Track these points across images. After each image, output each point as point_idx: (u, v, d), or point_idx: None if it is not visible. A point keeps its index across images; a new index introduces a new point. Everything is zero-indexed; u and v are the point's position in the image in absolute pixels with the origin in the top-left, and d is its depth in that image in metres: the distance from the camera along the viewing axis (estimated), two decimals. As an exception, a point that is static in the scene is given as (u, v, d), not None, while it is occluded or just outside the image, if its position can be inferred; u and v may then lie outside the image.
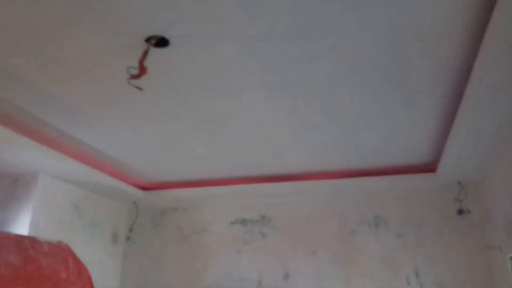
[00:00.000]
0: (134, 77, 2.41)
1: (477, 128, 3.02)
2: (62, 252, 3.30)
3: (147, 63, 2.39)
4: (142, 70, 2.39)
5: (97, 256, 4.98)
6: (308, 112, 3.23)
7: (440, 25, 2.20)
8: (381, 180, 4.54)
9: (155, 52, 2.41)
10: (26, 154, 3.75)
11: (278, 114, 3.29)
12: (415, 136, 3.61)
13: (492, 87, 2.44)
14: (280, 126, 3.50)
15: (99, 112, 3.27)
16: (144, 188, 5.29)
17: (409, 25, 2.20)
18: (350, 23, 2.20)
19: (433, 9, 2.07)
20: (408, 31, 2.25)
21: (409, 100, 2.99)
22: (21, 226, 3.99)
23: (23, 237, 3.06)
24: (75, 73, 2.72)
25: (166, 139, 3.79)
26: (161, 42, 2.36)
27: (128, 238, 5.46)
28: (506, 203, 3.60)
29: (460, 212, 4.38)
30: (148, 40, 2.33)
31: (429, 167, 4.30)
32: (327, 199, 5.01)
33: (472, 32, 2.24)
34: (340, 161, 4.26)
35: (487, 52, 2.18)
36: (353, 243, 4.80)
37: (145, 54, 2.37)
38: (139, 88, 2.51)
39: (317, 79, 2.75)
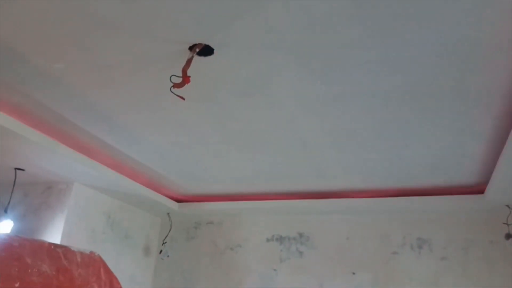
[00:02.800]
0: (177, 85, 2.31)
1: None
2: (94, 263, 3.19)
3: (190, 71, 2.30)
4: (186, 79, 2.29)
5: (128, 268, 4.88)
6: (354, 127, 3.12)
7: (492, 43, 2.10)
8: (426, 201, 4.35)
9: (198, 60, 2.35)
10: (62, 161, 3.70)
11: (322, 128, 3.18)
12: (464, 156, 3.46)
13: None
14: (323, 141, 3.38)
15: (138, 120, 3.22)
16: (179, 200, 5.22)
17: (463, 43, 2.11)
18: (406, 38, 2.12)
19: (483, 25, 1.99)
20: (462, 49, 2.16)
21: (460, 119, 2.88)
22: (54, 234, 3.91)
23: (56, 245, 2.97)
24: (116, 80, 2.67)
25: (205, 150, 3.71)
26: (205, 50, 2.30)
27: (160, 251, 5.33)
28: None
29: (508, 236, 4.10)
30: (192, 48, 2.27)
31: (477, 189, 4.12)
32: (368, 218, 4.84)
33: None
34: (384, 179, 4.10)
35: None
36: (395, 265, 4.60)
37: (189, 62, 2.29)
38: (182, 98, 2.39)
39: (365, 93, 2.65)
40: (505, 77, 2.36)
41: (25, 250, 2.67)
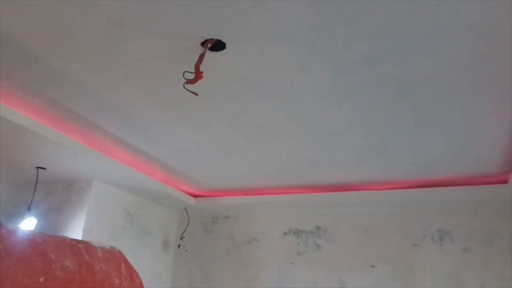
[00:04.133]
0: (190, 82, 2.32)
1: None
2: (115, 258, 3.27)
3: (203, 67, 2.30)
4: (198, 75, 2.29)
5: (148, 263, 4.96)
6: (372, 117, 3.06)
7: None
8: (447, 191, 4.28)
9: (211, 55, 2.34)
10: (81, 159, 3.77)
11: (339, 120, 3.14)
12: (486, 144, 3.39)
13: None
14: (340, 133, 3.34)
15: (153, 117, 3.24)
16: (196, 195, 5.24)
17: (483, 28, 2.05)
18: (425, 24, 2.05)
19: (506, 11, 1.93)
20: (482, 37, 2.11)
21: (482, 107, 2.81)
22: (75, 231, 4.00)
23: (78, 241, 3.05)
24: (130, 78, 2.69)
25: (220, 145, 3.72)
26: (217, 45, 2.28)
27: (179, 246, 5.42)
28: None
29: None
30: (204, 43, 2.26)
31: (500, 178, 4.03)
32: (387, 210, 4.78)
33: None
34: (403, 170, 4.03)
35: None
36: (415, 258, 4.54)
37: (201, 58, 2.29)
38: (195, 94, 2.42)
39: (384, 83, 2.59)
40: None
41: (49, 246, 2.76)
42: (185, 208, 5.40)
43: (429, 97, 2.73)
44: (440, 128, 3.16)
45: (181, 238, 5.47)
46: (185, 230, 5.52)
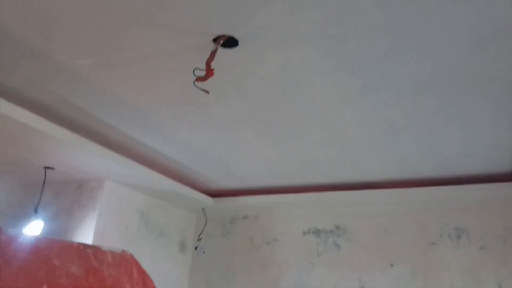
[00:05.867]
0: (201, 79, 2.27)
1: None
2: (126, 262, 3.12)
3: (215, 64, 2.25)
4: (209, 72, 2.24)
5: (164, 266, 4.82)
6: (389, 116, 3.04)
7: None
8: (462, 189, 4.25)
9: (223, 52, 2.30)
10: (92, 159, 3.64)
11: (356, 119, 3.10)
12: (500, 142, 3.38)
13: None
14: (358, 131, 3.31)
15: (166, 115, 3.16)
16: (213, 195, 5.16)
17: (493, 26, 2.03)
18: (435, 22, 2.03)
19: None
20: (489, 34, 2.09)
21: (495, 105, 2.80)
22: (86, 234, 3.86)
23: (85, 246, 2.90)
24: (142, 75, 2.63)
25: (236, 144, 3.64)
26: (230, 42, 2.23)
27: (196, 247, 5.28)
28: None
29: None
30: (216, 40, 2.21)
31: None
32: (405, 209, 4.73)
33: None
34: (420, 168, 4.02)
35: None
36: (433, 256, 4.48)
37: (213, 55, 2.24)
38: (205, 91, 2.35)
39: (400, 81, 2.57)
40: None
41: (53, 252, 2.61)
42: (203, 209, 5.30)
43: (442, 97, 2.74)
44: (455, 127, 3.16)
45: (199, 239, 5.36)
46: (202, 231, 5.41)
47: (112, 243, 3.93)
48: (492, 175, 4.06)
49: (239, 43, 2.24)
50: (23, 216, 3.98)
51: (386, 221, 4.77)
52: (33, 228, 3.76)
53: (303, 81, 2.62)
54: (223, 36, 2.19)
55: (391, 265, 4.58)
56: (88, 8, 2.02)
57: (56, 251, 2.63)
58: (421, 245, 4.54)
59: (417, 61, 2.36)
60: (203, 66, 2.25)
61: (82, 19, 2.10)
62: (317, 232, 5.01)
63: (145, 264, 3.28)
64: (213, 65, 2.25)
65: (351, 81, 2.60)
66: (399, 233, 4.66)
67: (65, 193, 4.13)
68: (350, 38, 2.17)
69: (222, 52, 2.28)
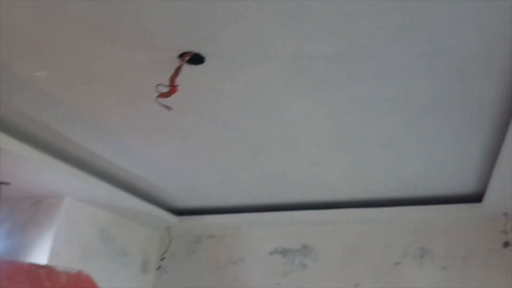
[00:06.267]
0: (164, 95, 2.25)
1: None
2: (82, 284, 2.96)
3: (181, 80, 2.24)
4: (173, 89, 2.22)
5: (124, 287, 4.64)
6: (356, 137, 3.08)
7: (486, 53, 2.12)
8: (425, 210, 4.30)
9: (189, 69, 2.28)
10: (51, 174, 3.53)
11: (324, 138, 3.14)
12: (461, 165, 3.48)
13: None
14: (326, 151, 3.33)
15: (130, 131, 3.13)
16: (179, 213, 5.03)
17: (455, 52, 2.12)
18: (398, 47, 2.11)
19: (479, 36, 2.00)
20: (454, 58, 2.17)
21: (455, 128, 2.90)
22: (41, 253, 3.69)
23: (38, 266, 2.74)
24: (104, 89, 2.59)
25: (203, 161, 3.62)
26: (196, 59, 2.22)
27: (159, 267, 5.13)
28: None
29: (506, 244, 4.15)
30: (181, 56, 2.20)
31: (476, 197, 4.11)
32: (371, 228, 4.72)
33: None
34: (385, 188, 4.06)
35: None
36: (398, 276, 4.48)
37: (177, 71, 2.23)
38: (168, 108, 2.32)
39: (366, 103, 2.62)
40: (498, 87, 2.38)
41: (1, 274, 2.45)
42: (167, 227, 5.15)
43: (410, 120, 2.81)
44: (420, 149, 3.24)
45: (162, 259, 5.20)
46: (166, 250, 5.26)
47: (69, 263, 3.76)
48: (456, 196, 4.15)
49: (206, 60, 2.22)
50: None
51: (352, 240, 4.75)
52: (-16, 247, 3.58)
53: (270, 100, 2.62)
54: (189, 52, 2.17)
55: (357, 285, 4.56)
56: (47, 19, 1.98)
57: (4, 273, 2.47)
58: (386, 265, 4.55)
59: (383, 84, 2.40)
60: (167, 82, 2.22)
61: (41, 30, 2.06)
62: (284, 252, 4.93)
63: (103, 285, 3.17)
64: (179, 81, 2.22)
65: (319, 101, 2.62)
66: (365, 253, 4.66)
67: (20, 210, 3.95)
68: (318, 59, 2.20)
69: (188, 68, 2.26)
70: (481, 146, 3.14)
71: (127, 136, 3.17)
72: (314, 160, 3.47)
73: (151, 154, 3.49)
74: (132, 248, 4.85)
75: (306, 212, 4.59)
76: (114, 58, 2.26)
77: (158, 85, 2.24)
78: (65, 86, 2.54)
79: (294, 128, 2.98)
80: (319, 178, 3.87)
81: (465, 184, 3.88)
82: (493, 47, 2.08)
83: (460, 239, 4.42)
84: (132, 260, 4.84)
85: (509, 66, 2.21)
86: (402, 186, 3.97)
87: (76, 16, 1.95)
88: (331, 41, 2.07)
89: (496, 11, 1.84)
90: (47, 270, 2.77)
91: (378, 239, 4.67)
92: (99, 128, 3.06)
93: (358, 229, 4.75)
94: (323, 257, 4.79)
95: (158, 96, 2.25)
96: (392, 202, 4.35)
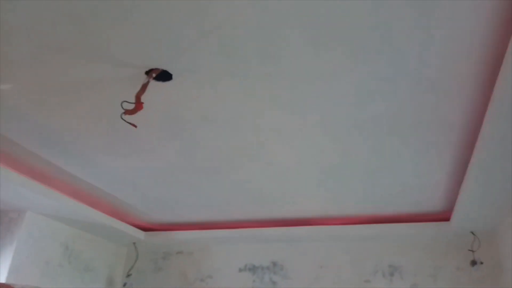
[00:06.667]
0: (129, 112, 2.19)
1: (489, 179, 3.01)
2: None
3: (148, 96, 2.21)
4: (138, 106, 2.17)
5: (89, 304, 4.51)
6: (326, 155, 3.10)
7: (451, 76, 2.17)
8: (395, 228, 4.39)
9: (156, 85, 2.26)
10: (12, 188, 3.41)
11: (294, 156, 3.14)
12: (428, 184, 3.53)
13: (503, 138, 2.42)
14: (296, 168, 3.34)
15: (95, 146, 3.05)
16: (146, 228, 4.96)
17: (420, 74, 2.16)
18: (363, 70, 2.14)
19: (444, 60, 2.04)
20: (421, 80, 2.20)
21: (422, 149, 2.94)
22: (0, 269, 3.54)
23: (-7, 284, 2.63)
24: (70, 103, 2.53)
25: (170, 176, 3.56)
26: (163, 75, 2.20)
27: (125, 284, 5.00)
28: None
29: (473, 263, 4.22)
30: (148, 72, 2.18)
31: (444, 215, 4.20)
32: (341, 245, 4.75)
33: (483, 84, 2.21)
34: (354, 206, 4.10)
35: (497, 105, 2.16)
36: None
37: (144, 88, 2.19)
38: (133, 125, 2.27)
39: (332, 121, 2.65)
40: (465, 107, 2.43)
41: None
42: (134, 243, 5.07)
43: (378, 139, 2.83)
44: (389, 168, 3.26)
45: (128, 275, 5.09)
46: (132, 267, 5.15)
47: (30, 280, 3.65)
48: (424, 215, 4.22)
49: (173, 77, 2.21)
50: None
51: (322, 258, 4.75)
52: None
53: (239, 117, 2.61)
54: (156, 69, 2.15)
55: (326, 303, 4.55)
56: (11, 30, 1.91)
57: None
58: (356, 282, 4.56)
59: (352, 104, 2.43)
60: (133, 98, 2.18)
61: (6, 43, 2.00)
62: (253, 269, 4.90)
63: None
64: (146, 97, 2.18)
65: (288, 120, 2.63)
66: (335, 270, 4.67)
67: (-22, 225, 3.82)
68: (285, 78, 2.21)
69: (156, 85, 2.24)
70: (447, 166, 3.18)
71: (92, 151, 3.11)
72: (284, 177, 3.46)
73: (117, 169, 3.42)
74: (97, 264, 4.74)
75: (276, 229, 4.59)
76: (80, 73, 2.23)
77: (123, 101, 2.20)
78: (29, 99, 2.48)
79: (263, 145, 2.97)
80: (289, 195, 3.86)
81: (433, 203, 3.93)
82: (457, 71, 2.11)
83: (429, 257, 4.46)
84: (97, 277, 4.72)
85: (473, 89, 2.25)
86: (371, 204, 4.00)
87: (42, 30, 1.92)
88: (298, 61, 2.08)
89: (458, 35, 1.88)
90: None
91: (348, 256, 4.67)
92: (63, 142, 2.99)
93: (328, 246, 4.75)
94: (292, 275, 4.76)
95: (124, 113, 2.20)
96: (362, 219, 4.38)
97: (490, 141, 2.48)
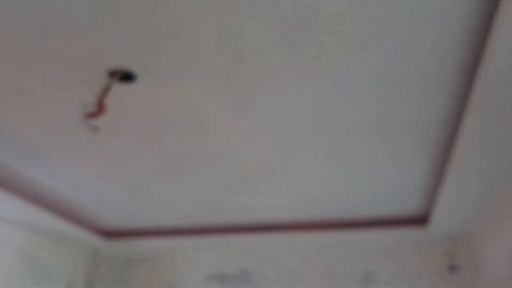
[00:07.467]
0: (91, 115, 2.16)
1: (467, 181, 3.00)
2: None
3: (111, 98, 2.21)
4: (100, 109, 2.13)
5: (47, 313, 4.38)
6: (295, 157, 3.07)
7: (428, 77, 2.17)
8: (370, 233, 4.26)
9: (120, 87, 2.24)
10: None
11: (261, 159, 3.11)
12: (405, 186, 3.50)
13: (481, 141, 2.44)
14: (261, 170, 3.29)
15: (55, 149, 3.01)
16: (108, 235, 4.81)
17: (397, 75, 2.16)
18: (343, 68, 2.13)
19: (421, 62, 2.06)
20: (396, 81, 2.21)
21: (398, 149, 2.93)
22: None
23: None
24: (30, 106, 2.50)
25: (132, 180, 3.53)
26: (127, 76, 2.17)
27: (87, 292, 4.85)
28: (496, 259, 3.50)
29: (451, 267, 4.20)
30: (112, 74, 2.14)
31: (421, 219, 4.15)
32: (312, 252, 4.67)
33: (461, 86, 2.23)
34: (326, 210, 4.03)
35: (475, 106, 2.18)
36: None
37: (106, 90, 2.15)
38: (95, 129, 2.26)
39: (301, 122, 2.64)
40: (442, 109, 2.43)
41: None
42: (96, 250, 4.94)
43: (351, 140, 2.81)
44: (363, 170, 3.23)
45: (89, 283, 4.99)
46: (93, 274, 5.06)
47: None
48: (400, 219, 4.15)
49: (137, 78, 2.18)
50: None
51: (293, 265, 4.68)
52: None
53: (204, 118, 2.59)
54: (120, 70, 2.11)
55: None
56: None
57: None
58: (330, 290, 4.52)
59: (323, 103, 2.40)
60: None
61: None
62: (221, 277, 4.83)
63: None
64: (109, 99, 2.17)
65: (255, 121, 2.60)
66: (307, 278, 4.61)
67: None
68: (253, 79, 2.20)
69: (119, 87, 2.21)
70: (425, 168, 3.16)
71: (51, 154, 3.07)
72: (252, 181, 3.43)
73: (78, 174, 3.37)
74: (56, 271, 4.61)
75: (244, 236, 4.48)
76: (40, 75, 2.19)
77: (85, 105, 2.17)
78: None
79: (229, 149, 2.95)
80: (257, 200, 3.81)
81: (409, 205, 3.89)
82: (434, 73, 2.12)
83: (406, 262, 4.42)
84: (56, 284, 4.58)
85: (450, 90, 2.26)
86: (344, 208, 3.95)
87: (1, 30, 1.88)
88: (267, 62, 2.07)
89: (435, 38, 1.90)
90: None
91: (320, 262, 4.61)
92: (21, 146, 2.95)
93: (299, 253, 4.68)
94: (262, 283, 4.69)
95: (86, 116, 2.17)
96: (335, 224, 4.29)
97: (468, 143, 2.48)
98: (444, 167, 3.02)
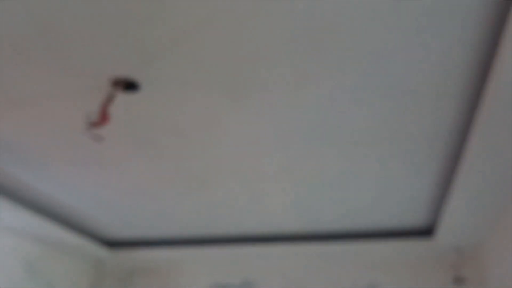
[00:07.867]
0: (94, 124, 2.14)
1: (474, 195, 3.00)
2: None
3: (115, 108, 2.22)
4: (104, 118, 2.11)
5: (51, 325, 4.36)
6: (298, 167, 3.04)
7: (437, 87, 2.16)
8: (374, 244, 4.25)
9: (124, 96, 2.23)
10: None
11: (269, 169, 3.08)
12: (411, 197, 3.49)
13: (489, 152, 2.43)
14: (268, 181, 3.26)
15: (60, 159, 3.00)
16: (112, 244, 4.82)
17: (406, 85, 2.15)
18: (347, 80, 2.12)
19: (431, 70, 2.04)
20: (404, 92, 2.20)
21: (405, 160, 2.91)
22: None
23: None
24: (34, 115, 2.49)
25: (135, 190, 3.51)
26: (131, 86, 2.15)
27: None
28: (503, 271, 3.48)
29: (456, 280, 4.18)
30: (116, 83, 2.12)
31: (427, 230, 4.14)
32: (316, 263, 4.66)
33: (469, 96, 2.22)
34: (332, 221, 4.01)
35: (483, 119, 2.18)
36: None
37: (109, 99, 2.14)
38: (99, 139, 2.26)
39: (309, 132, 2.61)
40: (450, 121, 2.42)
41: None
42: (99, 260, 4.95)
43: (357, 151, 2.80)
44: (366, 182, 3.22)
45: None
46: (97, 285, 5.04)
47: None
48: (405, 230, 4.16)
49: (141, 87, 2.17)
50: None
51: (296, 276, 4.67)
52: None
53: (209, 128, 2.58)
54: (123, 79, 2.09)
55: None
56: None
57: None
58: (333, 303, 4.49)
59: (332, 116, 2.39)
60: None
61: None
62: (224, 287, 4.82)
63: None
64: (113, 109, 2.17)
65: (260, 130, 2.58)
66: None
67: None
68: (258, 88, 2.18)
69: (123, 96, 2.20)
70: (431, 179, 3.14)
71: (56, 164, 3.06)
72: (257, 191, 3.42)
73: (83, 184, 3.36)
74: (60, 282, 4.59)
75: (248, 246, 4.48)
76: (44, 84, 2.17)
77: (88, 114, 2.17)
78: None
79: (235, 158, 2.93)
80: (262, 210, 3.80)
81: (415, 217, 3.87)
82: (442, 83, 2.10)
83: (410, 275, 4.40)
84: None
85: (459, 101, 2.24)
86: (349, 219, 3.94)
87: (4, 39, 1.87)
88: (272, 71, 2.05)
89: (442, 49, 1.88)
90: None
91: (324, 274, 4.59)
92: (26, 156, 2.95)
93: (303, 264, 4.67)
94: (265, 294, 4.68)
95: (89, 125, 2.15)
96: (339, 235, 4.29)
97: (475, 155, 2.46)
98: (451, 179, 3.01)
